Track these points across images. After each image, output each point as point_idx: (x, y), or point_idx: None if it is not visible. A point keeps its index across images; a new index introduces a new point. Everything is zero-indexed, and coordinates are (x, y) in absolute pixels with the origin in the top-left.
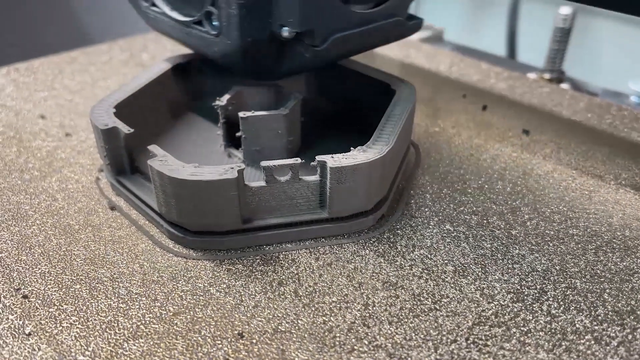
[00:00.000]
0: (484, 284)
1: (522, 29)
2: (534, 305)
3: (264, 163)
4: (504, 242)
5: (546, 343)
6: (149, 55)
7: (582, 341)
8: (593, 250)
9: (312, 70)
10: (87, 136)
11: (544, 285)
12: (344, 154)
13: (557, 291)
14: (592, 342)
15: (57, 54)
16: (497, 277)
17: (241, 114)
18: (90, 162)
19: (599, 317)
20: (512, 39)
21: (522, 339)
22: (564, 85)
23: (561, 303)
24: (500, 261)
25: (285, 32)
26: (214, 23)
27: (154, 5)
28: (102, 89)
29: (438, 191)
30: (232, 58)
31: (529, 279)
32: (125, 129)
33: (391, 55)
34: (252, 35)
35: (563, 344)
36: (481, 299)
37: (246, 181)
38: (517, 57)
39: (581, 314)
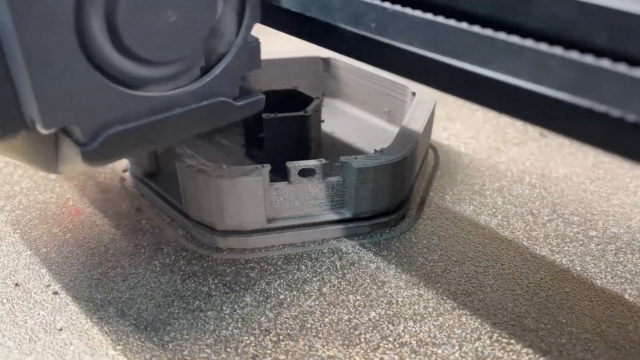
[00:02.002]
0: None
1: None
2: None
3: (289, 163)
4: (524, 242)
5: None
6: None
7: None
8: (613, 252)
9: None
10: None
11: (564, 286)
12: (367, 154)
13: (576, 292)
14: None
15: None
16: (518, 278)
17: (264, 116)
18: (114, 163)
19: None
20: None
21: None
22: None
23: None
24: (521, 262)
25: (40, 127)
26: None
27: None
28: None
29: (457, 193)
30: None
31: (550, 279)
32: None
33: None
34: (4, 130)
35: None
36: (504, 298)
37: (270, 182)
38: None
39: None
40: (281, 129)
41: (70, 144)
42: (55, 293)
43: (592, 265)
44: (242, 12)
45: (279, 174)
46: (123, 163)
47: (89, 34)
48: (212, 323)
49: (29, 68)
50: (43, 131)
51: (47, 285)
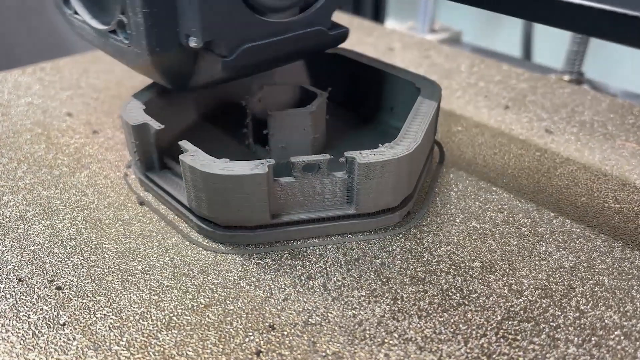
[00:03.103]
0: (512, 280)
1: (536, 31)
2: (563, 301)
3: (293, 159)
4: (530, 239)
5: (576, 338)
6: None
7: (611, 336)
8: (620, 248)
9: (226, 82)
10: (114, 133)
11: (571, 282)
12: (371, 150)
13: (585, 287)
14: (622, 337)
15: (81, 54)
16: (524, 274)
17: (269, 112)
18: (118, 159)
19: (628, 313)
20: (527, 42)
21: (551, 333)
22: (584, 87)
23: (589, 299)
24: (527, 258)
25: (192, 42)
26: (128, 32)
27: (76, 12)
28: (128, 88)
29: (463, 189)
30: (145, 68)
31: (557, 276)
32: (155, 125)
33: (411, 56)
34: (159, 45)
35: (593, 339)
36: (509, 294)
37: (274, 178)
38: (532, 59)
39: (610, 310)
40: (285, 125)
41: (212, 58)
42: (59, 288)
43: (599, 261)
44: None
45: (283, 169)
46: (127, 158)
47: None
48: (216, 319)
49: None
50: (194, 45)
51: (51, 281)
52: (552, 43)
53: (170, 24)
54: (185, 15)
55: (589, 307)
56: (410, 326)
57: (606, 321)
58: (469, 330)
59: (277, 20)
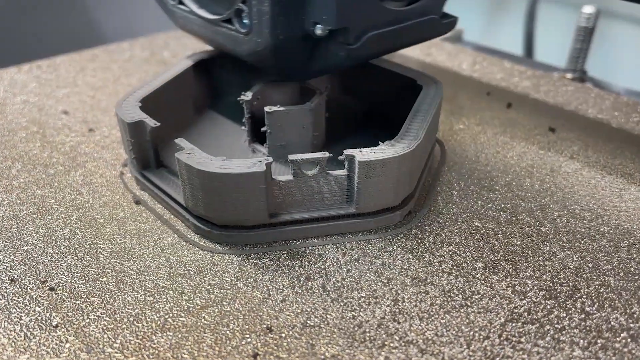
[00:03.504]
0: (516, 280)
1: (538, 30)
2: (568, 303)
3: (291, 156)
4: (534, 239)
5: (581, 340)
6: (170, 53)
7: (618, 339)
8: (626, 248)
9: (343, 69)
10: (110, 132)
11: (576, 283)
12: (372, 148)
13: (590, 289)
14: (629, 339)
15: (78, 52)
16: (528, 274)
17: (267, 109)
18: (114, 157)
19: (635, 315)
20: (529, 40)
21: (556, 336)
22: (587, 85)
23: (595, 300)
24: (531, 258)
25: (319, 29)
26: (244, 21)
27: (181, 3)
28: (124, 86)
29: (465, 188)
30: (262, 57)
31: (561, 276)
32: (151, 122)
33: (413, 53)
34: (284, 33)
35: (599, 341)
36: (513, 295)
37: (272, 176)
38: (534, 57)
39: (616, 311)
40: (284, 122)
41: (334, 46)
42: (52, 289)
43: (605, 262)
44: None
45: (282, 167)
46: (123, 157)
47: None
48: (212, 320)
49: None
50: (320, 32)
51: (44, 282)
52: (554, 41)
53: (297, 11)
54: (316, 3)
55: (594, 308)
56: (412, 328)
57: (612, 323)
58: (472, 332)
59: (399, 8)
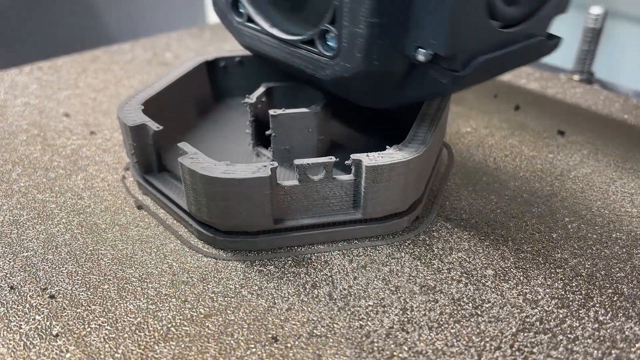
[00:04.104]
0: (527, 288)
1: None
2: (580, 312)
3: (297, 161)
4: (544, 245)
5: (595, 351)
6: (173, 55)
7: (633, 349)
8: (639, 255)
9: (439, 97)
10: (112, 135)
11: (589, 291)
12: (379, 152)
13: (603, 297)
14: None
15: (80, 53)
16: (539, 282)
17: (271, 112)
18: (115, 161)
19: None
20: None
21: (569, 346)
22: (595, 87)
23: (608, 309)
24: (542, 265)
25: (422, 55)
26: (329, 43)
27: (250, 21)
28: (126, 87)
29: (473, 193)
30: (349, 83)
31: (574, 284)
32: (154, 126)
33: None
34: (379, 59)
35: (613, 352)
36: (524, 304)
37: (277, 181)
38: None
39: (630, 320)
40: (288, 126)
41: (436, 72)
42: (52, 297)
43: (618, 269)
44: None
45: (287, 172)
46: (125, 161)
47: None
48: (216, 330)
49: (452, 11)
50: (423, 58)
51: (44, 289)
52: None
53: (398, 34)
54: (422, 26)
55: (608, 317)
56: (421, 338)
57: (627, 333)
58: (483, 342)
59: (510, 30)
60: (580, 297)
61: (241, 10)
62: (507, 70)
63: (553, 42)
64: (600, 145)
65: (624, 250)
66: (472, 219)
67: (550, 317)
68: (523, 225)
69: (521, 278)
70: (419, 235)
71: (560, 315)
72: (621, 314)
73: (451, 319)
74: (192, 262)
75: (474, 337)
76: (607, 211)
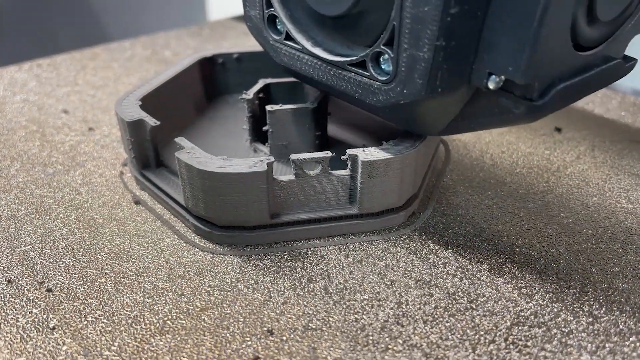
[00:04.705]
0: (522, 283)
1: None
2: (575, 306)
3: (293, 156)
4: (539, 240)
5: (589, 344)
6: (172, 52)
7: (626, 343)
8: (634, 250)
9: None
10: (110, 131)
11: (584, 286)
12: (375, 147)
13: (597, 292)
14: (638, 343)
15: (79, 50)
16: (534, 277)
17: (268, 107)
18: (113, 157)
19: None
20: None
21: (563, 340)
22: None
23: (603, 303)
24: (537, 260)
25: (493, 82)
26: (383, 66)
27: (289, 38)
28: (125, 85)
29: (469, 188)
30: (404, 110)
31: (568, 279)
32: (151, 121)
33: None
34: (442, 85)
35: (607, 345)
36: (519, 298)
37: (274, 176)
38: None
39: (624, 314)
40: (285, 122)
41: (511, 100)
42: (49, 290)
43: (612, 264)
44: None
45: (284, 167)
46: (122, 156)
47: (575, 19)
48: (212, 323)
49: (536, 33)
50: (494, 86)
51: (41, 283)
52: None
53: (465, 58)
54: (496, 49)
55: (602, 312)
56: (416, 332)
57: (621, 327)
58: (477, 336)
59: (589, 53)
60: (575, 291)
61: (279, 27)
62: (581, 97)
63: (629, 64)
64: (596, 142)
65: (619, 245)
66: (468, 214)
67: (544, 311)
68: (519, 220)
69: (516, 273)
70: (415, 231)
71: (555, 309)
72: (615, 308)
73: (446, 312)
74: (189, 256)
75: (468, 331)
76: (602, 207)
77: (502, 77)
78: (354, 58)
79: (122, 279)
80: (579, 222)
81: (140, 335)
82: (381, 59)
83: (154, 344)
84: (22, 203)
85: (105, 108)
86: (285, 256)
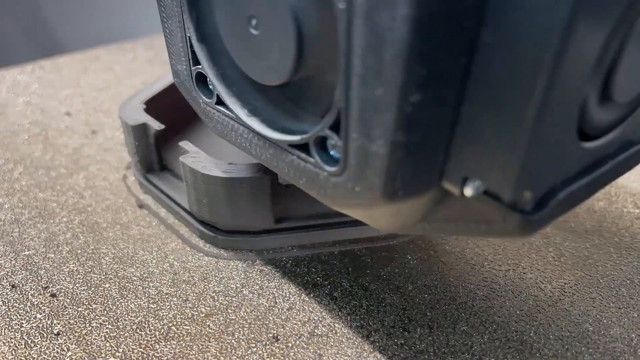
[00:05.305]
0: (540, 276)
1: None
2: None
3: None
4: (545, 245)
5: (591, 350)
6: None
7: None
8: (638, 256)
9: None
10: (114, 134)
11: (591, 293)
12: None
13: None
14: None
15: (81, 52)
16: (548, 275)
17: None
18: (117, 160)
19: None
20: None
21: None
22: None
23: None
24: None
25: (471, 189)
26: (332, 153)
27: (220, 103)
28: (128, 87)
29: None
30: (360, 211)
31: (571, 286)
32: (155, 125)
33: None
34: (405, 189)
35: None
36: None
37: (279, 181)
38: None
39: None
40: None
41: (496, 211)
42: (53, 295)
43: (620, 270)
44: None
45: None
46: (126, 160)
47: (586, 101)
48: (217, 329)
49: (537, 131)
50: (473, 193)
51: (45, 287)
52: None
53: (433, 158)
54: (477, 151)
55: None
56: (421, 338)
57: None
58: (482, 341)
59: (599, 143)
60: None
61: (210, 87)
62: (591, 196)
63: None
64: None
65: (623, 252)
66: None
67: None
68: None
69: (534, 268)
70: (420, 236)
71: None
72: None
73: (451, 318)
74: (193, 261)
75: (474, 336)
76: (609, 211)
77: (483, 186)
78: (295, 138)
79: (127, 284)
80: (582, 225)
81: (145, 342)
82: (328, 143)
83: (159, 350)
84: (26, 207)
85: (108, 111)
86: (291, 261)
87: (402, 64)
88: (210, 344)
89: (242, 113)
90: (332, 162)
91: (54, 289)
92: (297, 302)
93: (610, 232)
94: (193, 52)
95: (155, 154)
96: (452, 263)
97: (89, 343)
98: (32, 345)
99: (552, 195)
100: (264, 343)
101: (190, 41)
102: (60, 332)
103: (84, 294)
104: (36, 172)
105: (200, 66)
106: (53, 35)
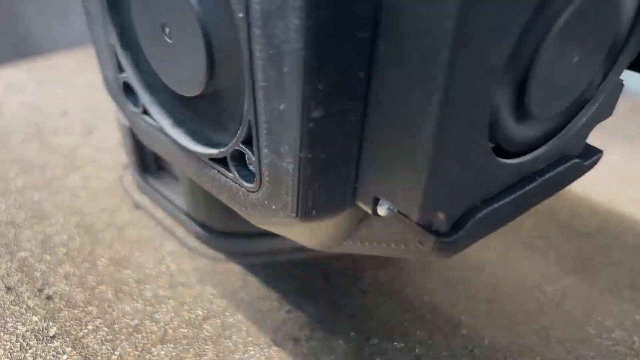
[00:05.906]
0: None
1: None
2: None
3: None
4: (547, 248)
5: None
6: None
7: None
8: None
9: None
10: (110, 133)
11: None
12: None
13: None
14: None
15: (77, 50)
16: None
17: None
18: (113, 160)
19: None
20: None
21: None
22: None
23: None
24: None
25: (383, 209)
26: (250, 167)
27: (145, 112)
28: None
29: None
30: (278, 227)
31: (574, 287)
32: None
33: None
34: (318, 208)
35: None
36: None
37: None
38: None
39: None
40: None
41: (411, 232)
42: (49, 298)
43: (623, 272)
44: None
45: None
46: (123, 160)
47: (499, 113)
48: (214, 332)
49: (441, 146)
50: (386, 214)
51: (41, 290)
52: None
53: (343, 176)
54: (383, 170)
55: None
56: (421, 341)
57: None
58: (483, 345)
59: (522, 160)
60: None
61: (139, 98)
62: (522, 214)
63: (591, 161)
64: (605, 145)
65: (626, 254)
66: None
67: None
68: (526, 228)
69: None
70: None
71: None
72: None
73: (452, 321)
74: (190, 263)
75: (474, 339)
76: (612, 213)
77: (394, 207)
78: (214, 151)
79: (122, 287)
80: (584, 227)
81: (142, 345)
82: (247, 158)
83: (155, 353)
84: (21, 208)
85: (105, 110)
86: (288, 264)
87: (300, 77)
88: (208, 347)
89: (166, 124)
90: (250, 178)
91: (49, 291)
92: (295, 305)
93: (614, 234)
94: (118, 60)
95: (152, 154)
96: (452, 266)
97: (85, 346)
98: (28, 348)
99: (471, 216)
100: (261, 346)
101: (114, 48)
102: (56, 335)
103: (79, 296)
104: (31, 172)
105: (125, 74)
106: (49, 33)
